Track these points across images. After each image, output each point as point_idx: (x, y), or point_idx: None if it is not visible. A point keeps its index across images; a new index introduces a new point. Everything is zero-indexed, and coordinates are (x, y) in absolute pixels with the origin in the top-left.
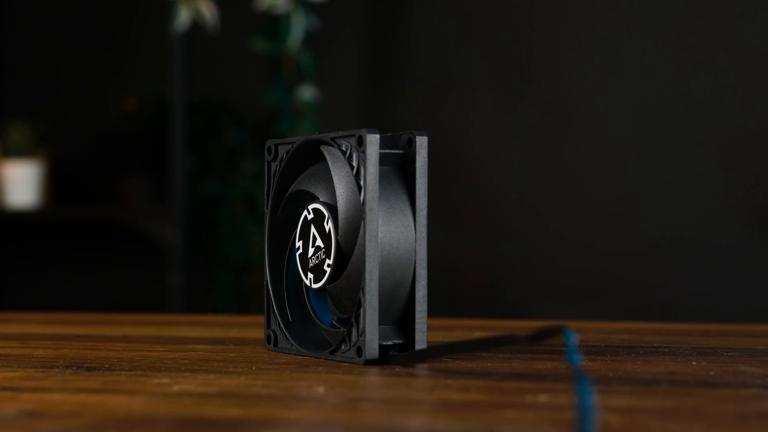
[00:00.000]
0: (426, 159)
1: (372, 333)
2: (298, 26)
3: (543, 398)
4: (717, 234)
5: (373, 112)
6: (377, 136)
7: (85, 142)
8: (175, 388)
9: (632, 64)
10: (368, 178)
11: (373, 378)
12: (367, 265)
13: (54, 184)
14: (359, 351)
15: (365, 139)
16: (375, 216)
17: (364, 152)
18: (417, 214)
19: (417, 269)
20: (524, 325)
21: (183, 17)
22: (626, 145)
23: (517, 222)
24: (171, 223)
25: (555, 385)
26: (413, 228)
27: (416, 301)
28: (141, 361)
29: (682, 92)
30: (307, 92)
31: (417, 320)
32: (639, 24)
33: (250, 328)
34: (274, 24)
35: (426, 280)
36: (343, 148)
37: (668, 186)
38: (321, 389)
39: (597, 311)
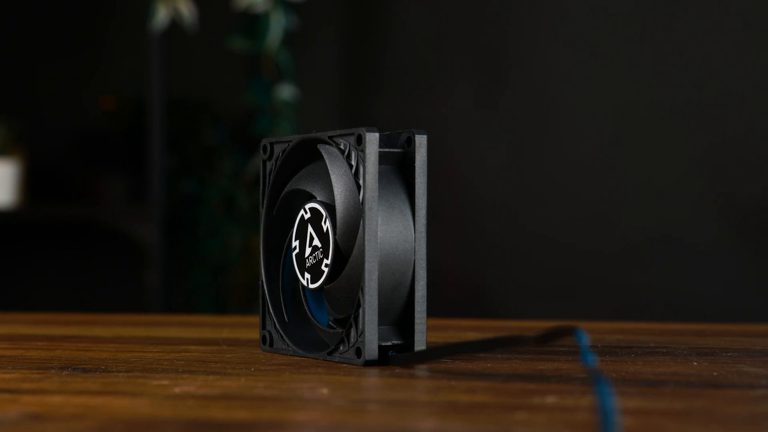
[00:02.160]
0: (425, 158)
1: (371, 334)
2: (277, 25)
3: (551, 400)
4: (697, 234)
5: (351, 112)
6: (377, 134)
7: (62, 141)
8: (177, 390)
9: (613, 64)
10: (368, 177)
11: (375, 379)
12: (367, 265)
13: (31, 184)
14: (358, 352)
15: (365, 138)
16: (374, 215)
17: (363, 151)
18: (416, 214)
19: (416, 269)
20: (517, 326)
21: (161, 16)
22: (606, 145)
23: (496, 221)
24: (149, 223)
25: (560, 386)
26: (412, 227)
27: (416, 301)
28: (137, 362)
29: (663, 92)
30: (285, 91)
31: (416, 321)
32: (620, 24)
33: (241, 328)
34: (253, 23)
35: (425, 280)
36: (342, 147)
37: (648, 186)
38: (324, 391)
39: (577, 311)
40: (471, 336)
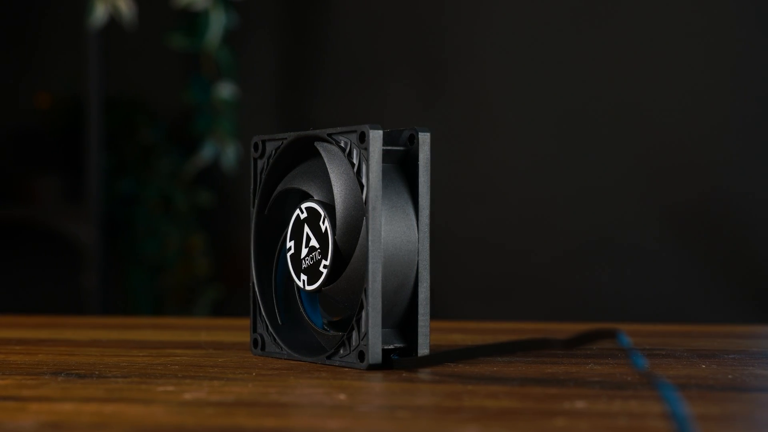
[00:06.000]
0: (429, 156)
1: (375, 337)
2: (217, 23)
3: (581, 405)
4: (639, 237)
5: (291, 110)
6: (380, 132)
7: None
8: (187, 396)
9: (552, 66)
10: (371, 175)
11: (389, 384)
12: (370, 267)
13: None
14: (361, 355)
15: (368, 135)
16: (378, 215)
17: (366, 149)
18: (420, 213)
19: (419, 270)
20: (499, 327)
21: (99, 12)
22: (547, 147)
23: (433, 222)
24: (86, 223)
25: (581, 390)
26: (416, 227)
27: (419, 303)
28: (129, 367)
29: (603, 95)
30: (225, 90)
31: (419, 323)
32: (559, 25)
33: (218, 331)
34: (193, 20)
35: (428, 281)
36: (342, 145)
37: (589, 189)
38: (342, 396)
39: (517, 312)
40: (458, 338)
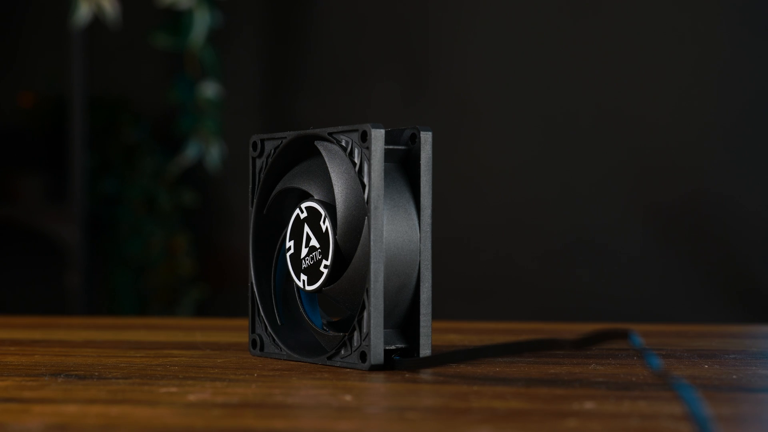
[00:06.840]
0: (430, 155)
1: (377, 337)
2: (202, 22)
3: (589, 405)
4: (623, 239)
5: (275, 110)
6: (382, 131)
7: None
8: (191, 398)
9: (538, 67)
10: (373, 175)
11: (392, 385)
12: (372, 266)
13: None
14: (363, 356)
15: (370, 135)
16: (380, 215)
17: (368, 148)
18: (422, 213)
19: (422, 270)
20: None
21: (83, 11)
22: (531, 148)
23: None
24: (69, 223)
25: (587, 391)
26: (417, 227)
27: (421, 303)
28: (128, 368)
29: (589, 97)
30: (209, 89)
31: (421, 324)
32: (544, 26)
33: (212, 331)
34: (177, 19)
35: (430, 281)
36: (343, 144)
37: (573, 190)
38: (348, 398)
39: (503, 313)
40: (454, 338)
